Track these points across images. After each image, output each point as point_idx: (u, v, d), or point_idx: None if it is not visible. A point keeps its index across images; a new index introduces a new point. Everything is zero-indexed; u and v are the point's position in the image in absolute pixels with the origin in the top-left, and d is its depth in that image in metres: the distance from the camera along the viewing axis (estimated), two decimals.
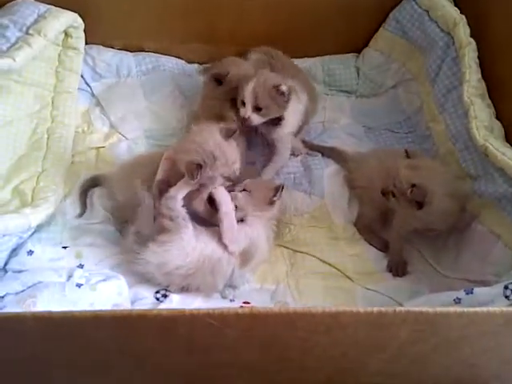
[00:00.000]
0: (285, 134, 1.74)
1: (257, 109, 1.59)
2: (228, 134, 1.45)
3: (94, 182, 1.69)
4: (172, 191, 1.42)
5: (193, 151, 1.41)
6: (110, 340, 0.85)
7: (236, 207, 1.49)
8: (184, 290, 1.44)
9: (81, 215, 1.62)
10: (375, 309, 0.83)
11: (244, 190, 1.54)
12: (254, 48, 1.92)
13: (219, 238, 1.45)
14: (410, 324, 0.88)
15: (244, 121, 1.60)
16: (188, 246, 1.40)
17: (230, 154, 1.44)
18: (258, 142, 1.84)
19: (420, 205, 1.40)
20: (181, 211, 1.42)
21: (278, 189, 1.54)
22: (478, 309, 0.89)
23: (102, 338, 0.84)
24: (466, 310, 0.88)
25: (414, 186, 1.39)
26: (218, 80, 1.68)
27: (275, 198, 1.54)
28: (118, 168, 1.65)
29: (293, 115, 1.71)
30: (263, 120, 1.63)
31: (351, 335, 0.90)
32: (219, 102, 1.70)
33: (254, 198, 1.53)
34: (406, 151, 1.53)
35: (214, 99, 1.71)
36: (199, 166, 1.38)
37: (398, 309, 0.85)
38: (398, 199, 1.45)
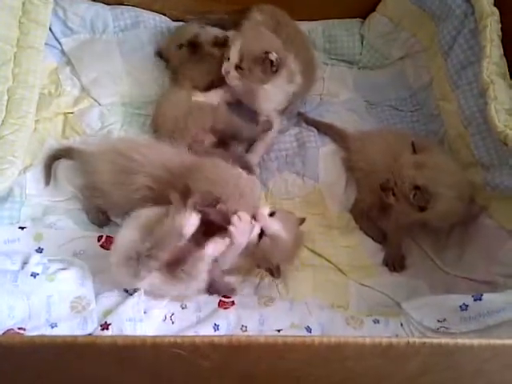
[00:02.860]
0: (268, 109, 1.67)
1: (239, 68, 1.54)
2: None
3: (65, 154, 1.54)
4: (208, 250, 1.20)
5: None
6: (51, 369, 0.68)
7: None
8: None
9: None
10: (384, 340, 0.68)
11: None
12: (257, 5, 1.79)
13: None
14: (422, 356, 0.74)
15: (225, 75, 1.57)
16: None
17: None
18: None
19: (422, 208, 1.33)
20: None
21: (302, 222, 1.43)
22: (506, 341, 0.75)
23: (39, 366, 0.67)
24: (491, 341, 0.75)
25: (417, 187, 1.32)
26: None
27: None
28: (108, 147, 1.44)
29: (279, 93, 1.64)
30: (241, 82, 1.57)
31: (350, 367, 0.75)
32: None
33: None
34: (413, 144, 1.41)
35: None
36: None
37: (412, 340, 0.71)
38: (397, 198, 1.37)
